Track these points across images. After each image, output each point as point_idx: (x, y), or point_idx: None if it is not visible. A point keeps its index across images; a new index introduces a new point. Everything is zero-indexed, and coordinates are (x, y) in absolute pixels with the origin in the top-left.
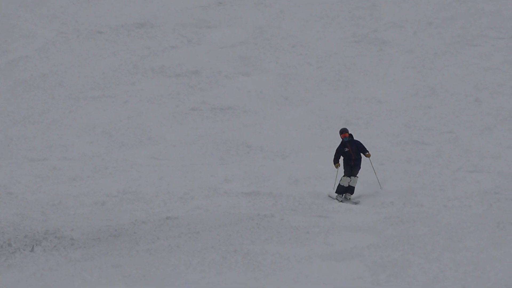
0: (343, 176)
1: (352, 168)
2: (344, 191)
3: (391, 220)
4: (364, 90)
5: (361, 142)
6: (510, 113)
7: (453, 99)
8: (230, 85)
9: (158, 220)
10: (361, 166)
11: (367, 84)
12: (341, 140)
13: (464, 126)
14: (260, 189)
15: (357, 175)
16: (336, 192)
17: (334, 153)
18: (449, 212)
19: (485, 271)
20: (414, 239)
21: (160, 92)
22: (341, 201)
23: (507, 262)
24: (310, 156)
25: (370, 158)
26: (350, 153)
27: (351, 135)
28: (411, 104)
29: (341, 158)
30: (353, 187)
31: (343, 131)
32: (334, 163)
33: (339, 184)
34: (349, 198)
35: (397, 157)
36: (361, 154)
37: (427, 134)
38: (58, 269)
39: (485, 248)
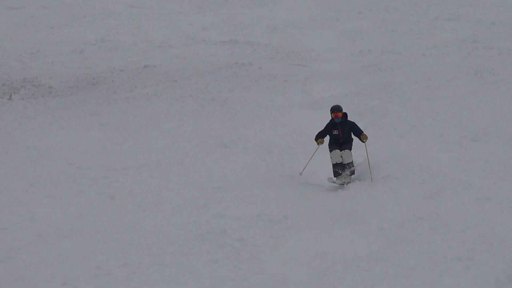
0: (331, 152)
1: (341, 145)
2: (341, 170)
3: (369, 69)
4: None
5: (355, 123)
6: None
7: None
8: None
9: (136, 69)
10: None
11: None
12: (330, 119)
13: None
14: (238, 37)
15: (349, 149)
16: (335, 177)
17: (317, 131)
18: (427, 60)
19: (462, 119)
20: (392, 87)
21: None
22: (345, 182)
23: (485, 110)
24: (288, 5)
25: (366, 142)
26: (339, 136)
27: (345, 115)
28: None
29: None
30: (351, 163)
31: (336, 110)
32: (317, 139)
33: (332, 164)
34: (350, 182)
35: (374, 5)
36: (353, 135)
37: None
38: (36, 117)
39: (463, 96)
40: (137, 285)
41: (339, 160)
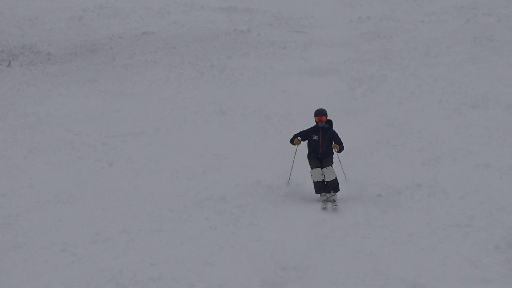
0: (312, 169)
1: (321, 160)
2: (324, 188)
3: (368, 35)
4: None
5: (337, 133)
6: None
7: None
8: None
9: (135, 35)
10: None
11: None
12: (314, 123)
13: None
14: (236, 4)
15: (331, 165)
16: (317, 193)
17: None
18: (426, 27)
19: (461, 86)
20: (391, 54)
21: None
22: (324, 206)
23: (484, 77)
24: None
25: (339, 154)
26: (319, 144)
27: (329, 122)
28: None
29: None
30: (334, 180)
31: (320, 113)
32: (293, 139)
33: (313, 182)
34: (334, 200)
35: None
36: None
37: None
38: (35, 84)
39: (462, 63)
40: (135, 251)
41: (320, 179)
